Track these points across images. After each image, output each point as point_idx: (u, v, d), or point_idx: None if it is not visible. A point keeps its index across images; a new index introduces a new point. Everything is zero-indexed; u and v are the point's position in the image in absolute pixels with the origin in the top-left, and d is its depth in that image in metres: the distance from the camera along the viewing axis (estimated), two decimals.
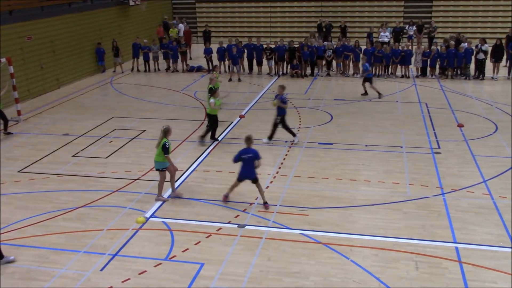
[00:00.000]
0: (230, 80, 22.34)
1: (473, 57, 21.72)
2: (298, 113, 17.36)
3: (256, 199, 11.05)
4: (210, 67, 23.55)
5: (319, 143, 14.51)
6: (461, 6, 29.67)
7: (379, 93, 19.13)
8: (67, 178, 12.53)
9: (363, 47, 23.25)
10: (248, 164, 10.61)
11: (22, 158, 13.89)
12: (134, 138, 15.30)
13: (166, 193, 11.40)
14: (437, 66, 22.23)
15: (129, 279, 8.40)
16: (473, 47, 21.75)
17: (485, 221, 10.00)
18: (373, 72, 22.72)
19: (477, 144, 14.16)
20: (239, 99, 19.07)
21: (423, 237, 9.46)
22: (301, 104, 18.45)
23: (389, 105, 18.36)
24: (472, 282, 8.14)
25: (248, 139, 10.79)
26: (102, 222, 10.28)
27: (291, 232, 9.70)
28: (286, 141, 14.58)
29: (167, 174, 11.13)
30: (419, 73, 22.51)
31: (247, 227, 9.97)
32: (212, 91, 14.86)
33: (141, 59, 24.98)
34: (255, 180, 10.72)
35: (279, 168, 12.79)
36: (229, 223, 10.14)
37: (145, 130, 15.92)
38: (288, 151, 13.92)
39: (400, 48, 22.43)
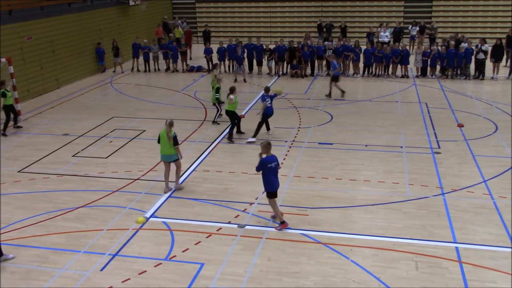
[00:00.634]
0: (235, 81, 22.31)
1: (473, 57, 21.72)
2: (298, 113, 17.36)
3: (256, 199, 11.06)
4: (210, 67, 23.55)
5: (319, 143, 14.51)
6: (461, 6, 29.66)
7: (342, 92, 19.21)
8: (67, 178, 12.53)
9: (363, 47, 23.26)
10: (274, 174, 9.54)
11: (22, 158, 13.90)
12: (134, 138, 15.30)
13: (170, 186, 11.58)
14: (438, 66, 22.24)
15: (129, 279, 8.40)
16: (473, 47, 21.76)
17: (485, 221, 10.00)
18: (374, 72, 22.78)
19: (477, 144, 14.16)
20: (239, 99, 19.02)
21: (423, 237, 9.46)
22: (301, 104, 18.45)
23: (389, 105, 18.36)
24: (472, 282, 8.14)
25: (269, 145, 9.63)
26: (102, 222, 10.28)
27: (291, 232, 9.70)
28: (286, 141, 14.59)
29: (173, 167, 11.50)
30: (419, 73, 22.51)
31: (247, 227, 9.97)
32: (232, 88, 15.24)
33: (141, 59, 24.99)
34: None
35: (279, 168, 12.75)
36: (229, 223, 10.14)
37: (145, 130, 15.92)
38: (288, 151, 13.92)
39: (400, 48, 22.42)
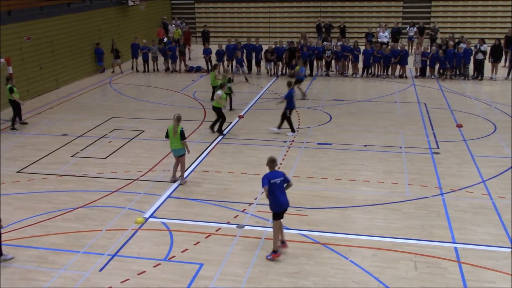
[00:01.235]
0: (232, 81, 22.29)
1: (472, 58, 21.74)
2: (297, 113, 17.35)
3: (255, 199, 11.06)
4: (209, 68, 23.54)
5: (318, 143, 14.51)
6: (460, 7, 29.70)
7: (303, 94, 19.28)
8: (66, 178, 12.52)
9: (362, 47, 23.26)
10: (279, 190, 8.87)
11: (21, 158, 13.89)
12: (133, 138, 15.29)
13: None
14: (436, 67, 22.25)
15: (128, 279, 8.40)
16: (472, 48, 21.77)
17: (484, 221, 10.01)
18: (373, 72, 22.78)
19: (476, 144, 14.17)
20: (239, 99, 19.04)
21: (422, 237, 9.47)
22: (300, 105, 18.42)
23: (388, 105, 18.37)
24: (471, 282, 8.15)
25: (273, 161, 9.00)
26: (101, 222, 10.28)
27: (290, 232, 9.70)
28: (285, 141, 14.59)
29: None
30: (418, 74, 22.52)
31: (246, 227, 9.97)
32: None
33: (140, 59, 24.98)
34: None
35: (278, 168, 12.77)
36: (228, 223, 10.14)
37: (144, 131, 15.92)
38: (287, 151, 13.92)
39: (399, 48, 22.44)
